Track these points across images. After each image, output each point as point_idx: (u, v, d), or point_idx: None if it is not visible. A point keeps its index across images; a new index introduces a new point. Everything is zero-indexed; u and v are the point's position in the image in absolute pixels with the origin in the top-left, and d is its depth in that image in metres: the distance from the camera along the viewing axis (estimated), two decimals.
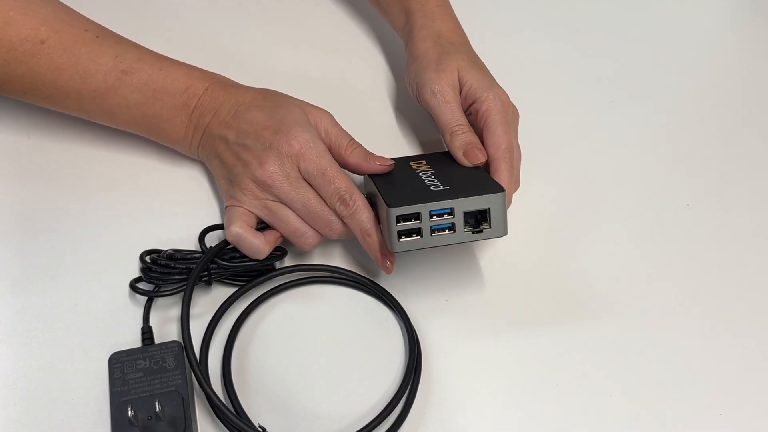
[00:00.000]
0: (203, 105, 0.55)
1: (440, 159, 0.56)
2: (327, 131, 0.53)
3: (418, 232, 0.47)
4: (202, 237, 0.53)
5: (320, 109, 0.55)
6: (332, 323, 0.52)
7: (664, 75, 0.72)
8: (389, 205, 0.46)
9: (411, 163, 0.54)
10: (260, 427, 0.46)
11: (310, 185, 0.52)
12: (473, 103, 0.57)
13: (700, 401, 0.50)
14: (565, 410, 0.49)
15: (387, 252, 0.51)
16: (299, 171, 0.51)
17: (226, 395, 0.48)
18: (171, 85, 0.55)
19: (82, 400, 0.48)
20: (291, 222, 0.52)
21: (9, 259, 0.54)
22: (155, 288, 0.52)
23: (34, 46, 0.53)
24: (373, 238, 0.51)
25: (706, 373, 0.51)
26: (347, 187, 0.51)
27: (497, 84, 0.58)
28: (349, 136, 0.54)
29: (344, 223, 0.52)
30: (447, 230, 0.48)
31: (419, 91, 0.59)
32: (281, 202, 0.52)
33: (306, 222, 0.52)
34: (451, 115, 0.56)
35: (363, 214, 0.50)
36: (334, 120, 0.55)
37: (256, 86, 0.57)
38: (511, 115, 0.57)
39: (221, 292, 0.53)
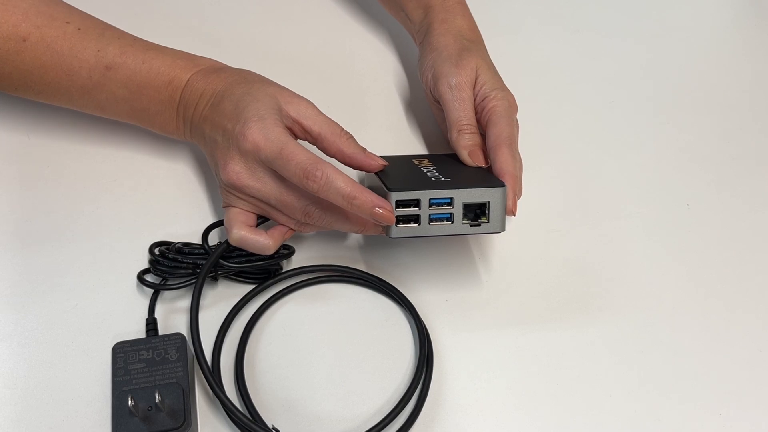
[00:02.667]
0: (186, 97, 0.54)
1: (443, 158, 0.56)
2: (313, 119, 0.50)
3: (416, 219, 0.47)
4: (205, 236, 0.53)
5: (301, 97, 0.51)
6: (340, 322, 0.52)
7: (664, 75, 0.72)
8: (389, 189, 0.46)
9: (413, 160, 0.55)
10: (273, 428, 0.46)
11: (278, 174, 0.49)
12: (482, 101, 0.56)
13: (700, 401, 0.50)
14: (564, 410, 0.49)
15: (382, 201, 0.46)
16: (263, 164, 0.49)
17: (240, 398, 0.48)
18: (155, 79, 0.54)
19: (83, 400, 0.48)
20: (279, 217, 0.51)
21: (9, 258, 0.54)
22: (162, 281, 0.52)
23: (16, 44, 0.52)
24: (361, 197, 0.46)
25: (706, 373, 0.51)
26: (309, 158, 0.46)
27: (507, 88, 0.58)
28: (339, 124, 0.51)
29: (323, 208, 0.49)
30: (445, 221, 0.48)
31: (435, 82, 0.58)
32: (258, 199, 0.51)
33: (286, 215, 0.51)
34: (463, 112, 0.56)
35: (337, 180, 0.46)
36: (318, 109, 0.51)
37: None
38: (516, 120, 0.56)
39: (227, 286, 0.53)
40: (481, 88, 0.57)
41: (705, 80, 0.72)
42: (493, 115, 0.55)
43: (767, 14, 0.79)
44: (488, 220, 0.48)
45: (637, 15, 0.78)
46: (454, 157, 0.56)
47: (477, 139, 0.55)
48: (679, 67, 0.72)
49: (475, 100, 0.57)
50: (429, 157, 0.56)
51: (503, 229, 0.48)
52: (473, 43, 0.60)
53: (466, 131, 0.55)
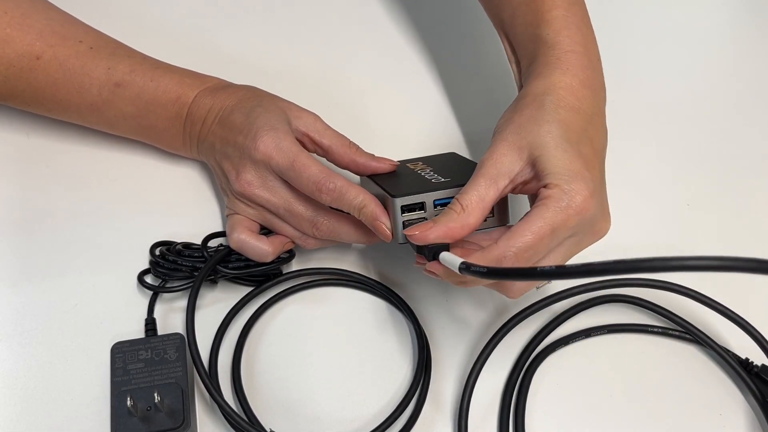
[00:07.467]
0: (193, 114, 0.54)
1: (436, 160, 0.55)
2: (322, 132, 0.51)
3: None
4: (204, 243, 0.53)
5: (308, 111, 0.53)
6: (339, 325, 0.52)
7: (664, 75, 0.72)
8: (393, 196, 0.46)
9: (408, 164, 0.54)
10: (271, 431, 0.46)
11: (290, 185, 0.50)
12: (543, 187, 0.43)
13: (700, 401, 0.50)
14: (564, 410, 0.49)
15: (384, 217, 0.46)
16: (274, 173, 0.50)
17: (237, 401, 0.48)
18: (162, 96, 0.55)
19: (82, 400, 0.48)
20: (284, 229, 0.52)
21: (9, 258, 0.54)
22: (161, 283, 0.52)
23: (30, 62, 0.53)
24: (369, 206, 0.47)
25: (706, 373, 0.51)
26: (321, 171, 0.47)
27: (588, 178, 0.42)
28: (347, 136, 0.53)
29: (332, 220, 0.50)
30: None
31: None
32: (267, 209, 0.51)
33: (293, 226, 0.52)
34: (466, 192, 0.43)
35: (349, 192, 0.47)
36: (324, 122, 0.52)
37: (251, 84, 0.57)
38: (575, 227, 0.42)
39: (226, 288, 0.53)
40: (542, 173, 0.42)
41: (705, 80, 0.72)
42: (534, 209, 0.42)
43: (765, 13, 0.79)
44: (493, 214, 0.48)
45: (636, 15, 0.78)
46: (446, 158, 0.56)
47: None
48: (679, 67, 0.72)
49: (529, 186, 0.44)
50: (422, 160, 0.55)
51: (508, 222, 0.48)
52: (557, 110, 0.45)
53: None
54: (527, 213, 0.42)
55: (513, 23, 0.53)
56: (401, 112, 0.66)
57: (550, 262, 0.43)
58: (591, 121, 0.46)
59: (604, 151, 0.47)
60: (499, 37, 0.57)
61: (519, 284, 0.44)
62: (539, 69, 0.48)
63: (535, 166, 0.43)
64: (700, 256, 0.29)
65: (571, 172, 0.42)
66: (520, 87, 0.51)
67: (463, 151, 0.60)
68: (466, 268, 0.39)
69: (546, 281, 0.47)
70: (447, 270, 0.42)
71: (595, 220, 0.43)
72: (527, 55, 0.51)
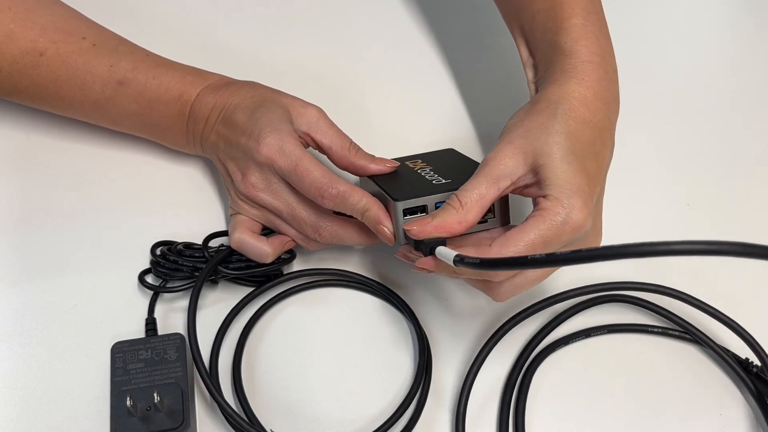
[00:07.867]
0: (196, 112, 0.54)
1: (435, 157, 0.55)
2: (323, 132, 0.51)
3: None
4: (206, 243, 0.53)
5: (311, 107, 0.52)
6: (340, 326, 0.52)
7: (663, 75, 0.72)
8: (395, 199, 0.46)
9: (407, 163, 0.54)
10: (271, 431, 0.46)
11: (293, 187, 0.49)
12: (542, 197, 0.43)
13: (700, 401, 0.50)
14: (564, 411, 0.49)
15: (387, 222, 0.46)
16: (278, 175, 0.49)
17: (237, 401, 0.48)
18: (164, 94, 0.54)
19: (82, 400, 0.48)
20: (287, 230, 0.52)
21: (9, 258, 0.54)
22: (162, 283, 0.52)
23: (33, 58, 0.53)
24: (372, 210, 0.47)
25: (706, 373, 0.51)
26: (323, 175, 0.47)
27: (588, 194, 0.42)
28: (348, 136, 0.52)
29: (334, 225, 0.50)
30: None
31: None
32: (269, 211, 0.51)
33: (295, 229, 0.52)
34: (464, 190, 0.44)
35: (352, 196, 0.47)
36: (329, 119, 0.52)
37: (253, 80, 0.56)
38: (567, 241, 0.42)
39: (227, 288, 0.53)
40: (543, 183, 0.43)
41: (705, 80, 0.72)
42: (530, 220, 0.42)
43: (765, 13, 0.79)
44: (494, 215, 0.48)
45: (636, 15, 0.77)
46: (445, 155, 0.56)
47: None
48: (678, 67, 0.72)
49: (531, 191, 0.45)
50: (421, 157, 0.55)
51: (509, 222, 0.48)
52: (568, 121, 0.45)
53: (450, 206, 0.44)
54: (523, 222, 0.42)
55: (531, 28, 0.53)
56: (404, 110, 0.66)
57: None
58: (600, 136, 0.46)
59: (607, 167, 0.48)
60: (511, 39, 0.57)
61: (505, 286, 0.45)
62: (555, 76, 0.48)
63: (538, 173, 0.43)
64: (687, 241, 0.29)
65: (573, 187, 0.42)
66: (535, 92, 0.51)
67: (464, 149, 0.60)
68: (460, 260, 0.39)
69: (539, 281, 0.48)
70: (439, 264, 0.43)
71: (587, 236, 0.44)
72: (544, 60, 0.51)
